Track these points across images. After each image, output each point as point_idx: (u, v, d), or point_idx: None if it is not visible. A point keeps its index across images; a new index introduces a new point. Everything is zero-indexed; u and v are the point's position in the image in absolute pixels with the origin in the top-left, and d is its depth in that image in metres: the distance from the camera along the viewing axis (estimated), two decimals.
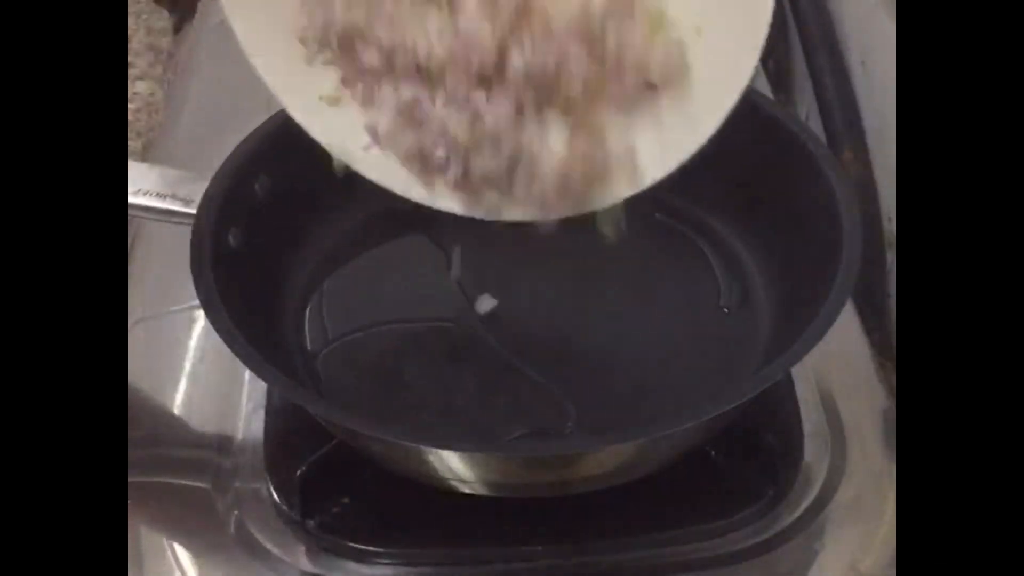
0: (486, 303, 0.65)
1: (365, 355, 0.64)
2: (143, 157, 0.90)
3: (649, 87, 0.51)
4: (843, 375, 0.63)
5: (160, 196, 0.60)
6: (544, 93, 0.50)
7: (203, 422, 0.62)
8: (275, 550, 0.55)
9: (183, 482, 0.59)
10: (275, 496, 0.57)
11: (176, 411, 0.63)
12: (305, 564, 0.54)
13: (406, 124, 0.52)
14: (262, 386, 0.61)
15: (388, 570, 0.55)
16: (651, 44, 0.50)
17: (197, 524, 0.57)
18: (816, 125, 0.84)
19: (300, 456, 0.59)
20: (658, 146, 0.52)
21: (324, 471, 0.59)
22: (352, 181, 0.71)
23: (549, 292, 0.66)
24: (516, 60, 0.49)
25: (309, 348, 0.64)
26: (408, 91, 0.51)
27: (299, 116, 0.54)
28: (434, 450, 0.51)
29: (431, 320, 0.66)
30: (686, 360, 0.63)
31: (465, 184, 0.53)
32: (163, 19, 1.14)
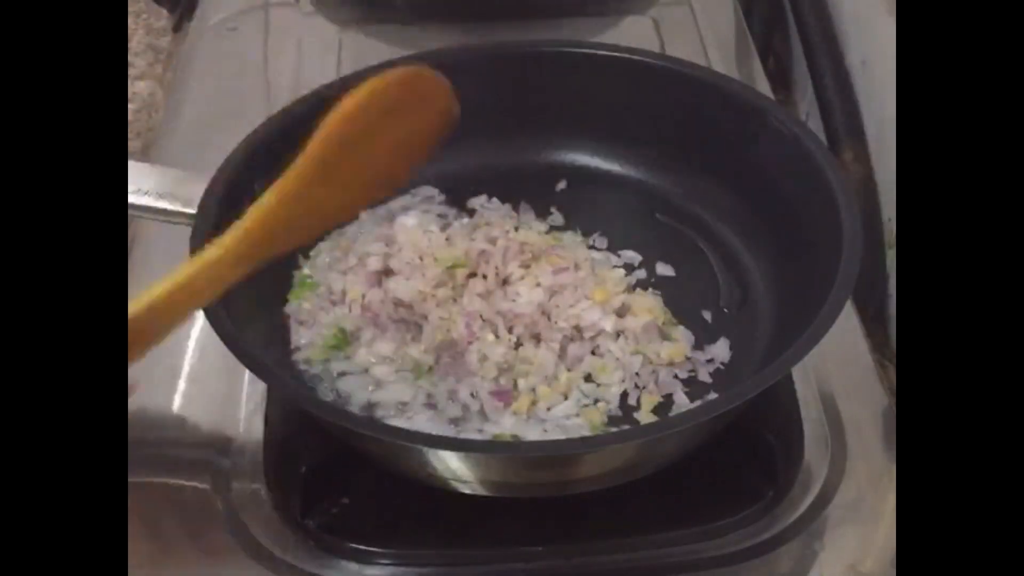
0: None
1: None
2: (143, 157, 0.90)
3: None
4: (843, 375, 0.63)
5: (160, 196, 0.60)
6: None
7: (203, 422, 0.62)
8: (275, 550, 0.55)
9: (183, 482, 0.59)
10: (275, 496, 0.57)
11: (176, 411, 0.63)
12: (305, 564, 0.54)
13: None
14: (262, 386, 0.61)
15: (388, 570, 0.55)
16: None
17: (197, 524, 0.57)
18: (816, 125, 0.84)
19: (300, 456, 0.59)
20: None
21: (324, 471, 0.59)
22: None
23: None
24: None
25: None
26: None
27: None
28: (433, 450, 0.51)
29: None
30: None
31: None
32: (163, 19, 1.13)
